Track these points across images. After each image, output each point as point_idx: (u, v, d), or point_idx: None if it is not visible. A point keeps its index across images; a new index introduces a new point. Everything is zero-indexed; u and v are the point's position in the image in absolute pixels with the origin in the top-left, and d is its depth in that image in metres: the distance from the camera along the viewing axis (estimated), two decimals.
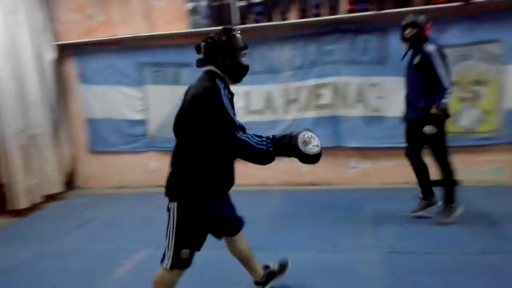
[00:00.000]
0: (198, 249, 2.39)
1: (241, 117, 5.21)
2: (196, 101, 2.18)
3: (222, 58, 2.28)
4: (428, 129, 3.54)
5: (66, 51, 5.82)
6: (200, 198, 2.30)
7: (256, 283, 2.85)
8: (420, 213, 3.99)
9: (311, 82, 5.26)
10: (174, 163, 2.35)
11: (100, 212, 5.00)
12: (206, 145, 2.23)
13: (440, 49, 3.55)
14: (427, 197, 3.98)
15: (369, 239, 3.71)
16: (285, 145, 2.22)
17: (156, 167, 5.83)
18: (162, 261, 2.35)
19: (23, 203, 5.08)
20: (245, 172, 5.58)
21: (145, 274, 3.01)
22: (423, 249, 3.40)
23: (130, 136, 5.91)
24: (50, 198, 5.57)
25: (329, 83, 5.21)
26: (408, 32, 3.63)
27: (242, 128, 2.36)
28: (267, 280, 2.84)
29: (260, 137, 2.25)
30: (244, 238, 2.72)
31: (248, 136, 2.21)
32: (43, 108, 5.50)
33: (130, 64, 5.72)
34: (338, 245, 3.60)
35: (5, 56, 4.95)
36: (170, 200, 2.32)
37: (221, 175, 2.36)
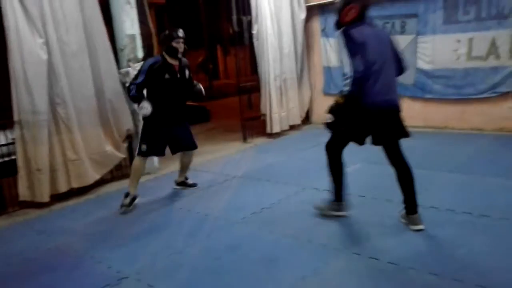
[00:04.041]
0: (156, 150, 4.19)
1: (462, 63, 5.59)
2: None
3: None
4: (327, 116, 3.12)
5: (313, 10, 7.21)
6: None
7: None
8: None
9: None
10: None
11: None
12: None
13: (345, 31, 2.98)
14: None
15: None
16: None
17: None
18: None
19: (276, 128, 6.88)
20: (460, 117, 5.98)
21: (358, 176, 4.15)
22: None
23: None
24: (292, 127, 7.27)
25: None
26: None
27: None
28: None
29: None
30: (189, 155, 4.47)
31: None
32: (293, 58, 7.11)
33: None
34: None
35: (271, 20, 6.65)
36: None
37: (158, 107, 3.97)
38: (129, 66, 4.93)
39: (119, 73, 4.96)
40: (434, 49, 6.08)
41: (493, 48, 5.55)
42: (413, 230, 3.06)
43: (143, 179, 5.11)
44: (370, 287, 2.50)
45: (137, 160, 4.17)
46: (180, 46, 3.98)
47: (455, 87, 5.98)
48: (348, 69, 2.86)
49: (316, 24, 7.28)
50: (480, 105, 5.80)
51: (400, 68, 3.17)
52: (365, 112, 2.95)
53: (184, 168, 4.60)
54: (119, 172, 5.17)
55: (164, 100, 4.02)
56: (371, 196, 3.86)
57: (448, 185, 3.98)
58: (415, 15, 6.17)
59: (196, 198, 4.30)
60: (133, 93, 3.92)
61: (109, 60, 4.86)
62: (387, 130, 3.03)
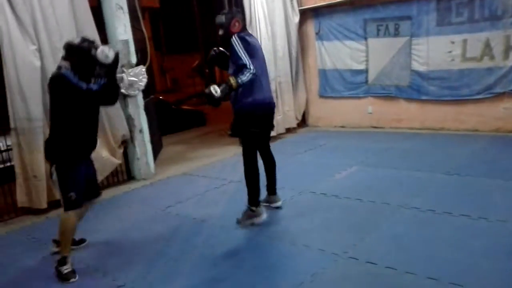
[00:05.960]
0: (82, 195, 2.96)
1: (457, 65, 5.62)
2: None
3: None
4: (213, 89, 3.29)
5: (307, 14, 7.22)
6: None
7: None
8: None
9: None
10: None
11: (326, 142, 6.36)
12: None
13: (242, 37, 3.48)
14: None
15: None
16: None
17: (372, 110, 6.77)
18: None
19: (272, 132, 6.82)
20: (456, 118, 5.98)
21: (355, 179, 4.14)
22: None
23: (352, 84, 6.99)
24: (288, 130, 7.25)
25: None
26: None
27: None
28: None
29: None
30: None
31: None
32: (288, 61, 7.10)
33: (357, 21, 6.69)
34: None
35: (265, 23, 6.65)
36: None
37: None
38: (123, 72, 4.91)
39: None
40: (428, 51, 6.09)
41: (487, 49, 5.56)
42: (274, 207, 3.81)
43: (138, 185, 5.10)
44: None
45: (67, 216, 2.99)
46: None
47: (451, 88, 5.99)
48: (248, 63, 3.32)
49: (311, 27, 7.28)
50: (475, 106, 5.81)
51: None
52: (259, 107, 3.49)
53: (81, 218, 3.25)
54: (114, 178, 5.15)
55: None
56: (368, 199, 3.84)
57: (446, 187, 3.96)
58: (408, 18, 6.18)
59: (192, 204, 4.28)
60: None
61: None
62: (271, 122, 3.71)
